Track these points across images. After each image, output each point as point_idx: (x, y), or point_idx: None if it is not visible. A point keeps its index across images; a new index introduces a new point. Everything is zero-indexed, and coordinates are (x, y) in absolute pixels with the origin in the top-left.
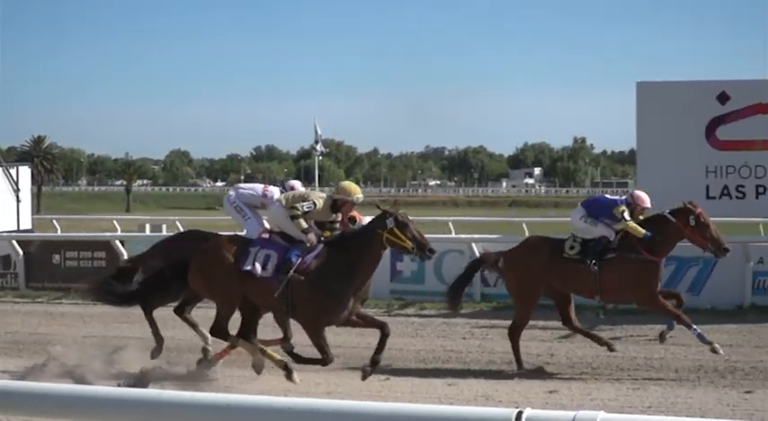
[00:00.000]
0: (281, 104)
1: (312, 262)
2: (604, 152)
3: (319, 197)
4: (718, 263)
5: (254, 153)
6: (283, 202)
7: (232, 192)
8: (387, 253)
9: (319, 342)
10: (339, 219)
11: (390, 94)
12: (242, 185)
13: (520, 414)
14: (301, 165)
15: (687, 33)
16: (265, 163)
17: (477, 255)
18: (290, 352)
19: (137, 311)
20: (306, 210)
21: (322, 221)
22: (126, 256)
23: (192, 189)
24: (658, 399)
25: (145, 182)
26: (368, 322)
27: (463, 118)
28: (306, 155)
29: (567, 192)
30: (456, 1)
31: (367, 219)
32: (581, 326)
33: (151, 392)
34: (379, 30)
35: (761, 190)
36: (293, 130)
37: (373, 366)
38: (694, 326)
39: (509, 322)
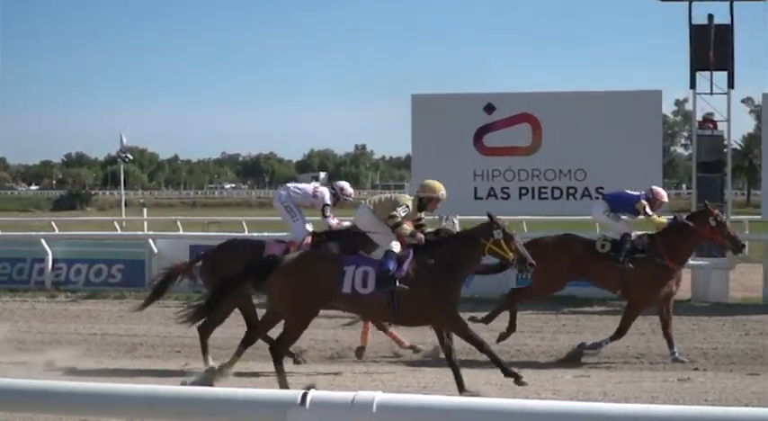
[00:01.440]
0: (90, 112)
1: (410, 268)
2: (383, 157)
3: (408, 199)
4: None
5: (66, 159)
6: (371, 207)
7: (283, 192)
8: (184, 249)
9: (466, 334)
10: (423, 217)
11: (189, 102)
12: (291, 185)
13: (305, 395)
14: (108, 171)
15: (457, 49)
16: (75, 168)
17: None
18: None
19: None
20: (403, 214)
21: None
22: None
23: (9, 192)
24: (433, 380)
25: None
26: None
27: (255, 127)
28: (112, 161)
29: None
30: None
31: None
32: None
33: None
34: (186, 38)
35: (524, 192)
36: (101, 138)
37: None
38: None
39: None
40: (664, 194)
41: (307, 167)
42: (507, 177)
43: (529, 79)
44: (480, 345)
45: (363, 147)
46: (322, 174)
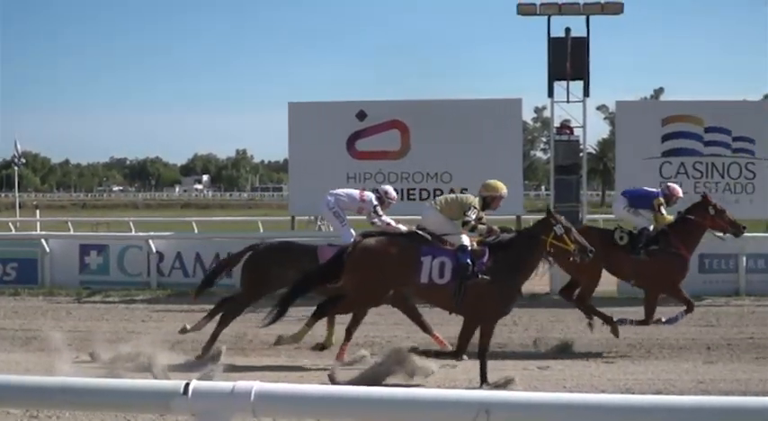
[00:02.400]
0: None
1: (487, 263)
2: (262, 161)
3: (474, 199)
4: None
5: None
6: (438, 208)
7: (330, 198)
8: (75, 248)
9: (487, 334)
10: (483, 216)
11: (78, 108)
12: (338, 191)
13: (187, 385)
14: (3, 174)
15: (330, 61)
16: None
17: (154, 250)
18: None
19: None
20: (473, 216)
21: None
22: None
23: None
24: (309, 371)
25: None
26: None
27: (142, 132)
28: (6, 165)
29: (231, 195)
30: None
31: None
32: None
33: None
34: (75, 43)
35: None
36: None
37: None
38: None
39: (182, 307)
40: (679, 190)
41: (190, 171)
42: (378, 180)
43: (398, 88)
44: (483, 351)
45: (244, 151)
46: (205, 177)
